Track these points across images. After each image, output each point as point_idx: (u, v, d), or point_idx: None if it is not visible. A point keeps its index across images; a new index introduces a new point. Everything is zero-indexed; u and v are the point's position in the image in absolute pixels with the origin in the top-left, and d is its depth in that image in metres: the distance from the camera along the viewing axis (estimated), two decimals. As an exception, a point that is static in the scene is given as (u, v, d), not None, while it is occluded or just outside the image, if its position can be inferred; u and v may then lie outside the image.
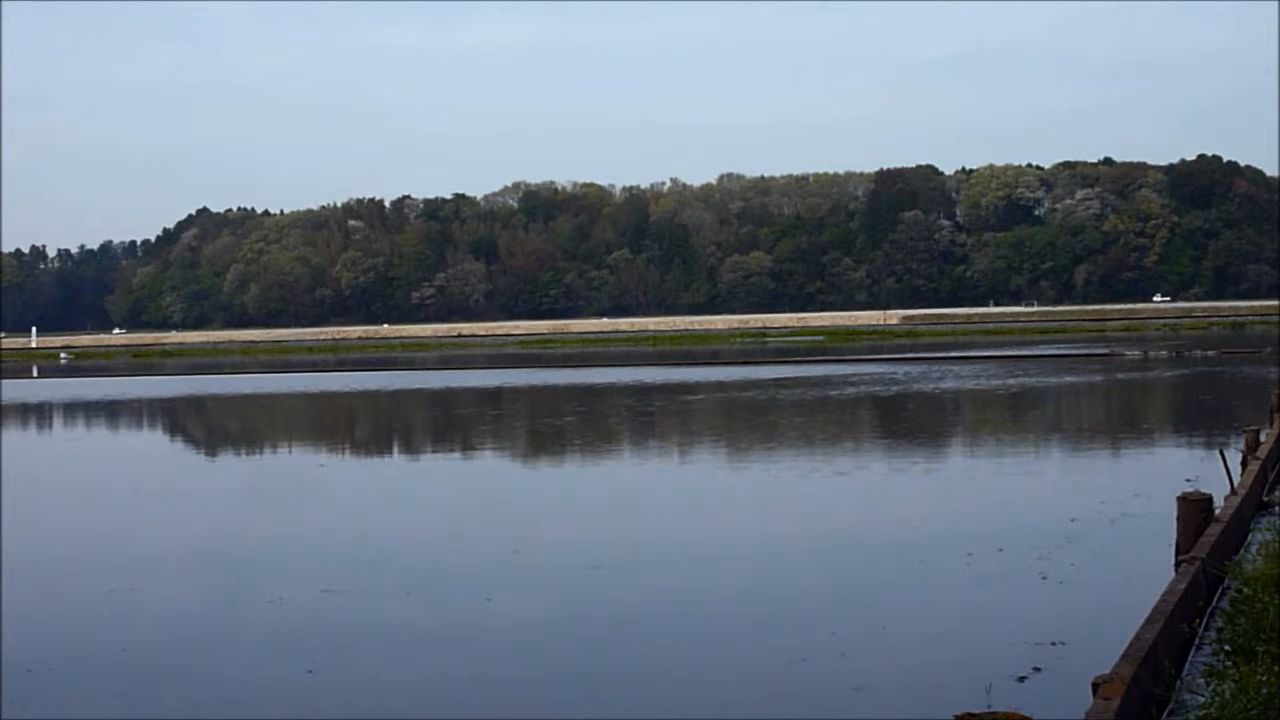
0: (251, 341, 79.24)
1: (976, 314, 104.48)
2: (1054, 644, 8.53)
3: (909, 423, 24.59)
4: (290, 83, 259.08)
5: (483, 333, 78.89)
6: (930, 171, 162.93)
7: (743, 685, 8.13)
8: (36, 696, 8.33)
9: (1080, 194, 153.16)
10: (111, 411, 34.78)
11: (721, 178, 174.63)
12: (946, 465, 18.95)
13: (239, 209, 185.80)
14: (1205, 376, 34.04)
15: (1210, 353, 43.86)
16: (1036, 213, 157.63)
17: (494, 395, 35.59)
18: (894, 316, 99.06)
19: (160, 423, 31.64)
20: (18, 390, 43.20)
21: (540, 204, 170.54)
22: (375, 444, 25.13)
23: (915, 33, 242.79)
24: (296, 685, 8.36)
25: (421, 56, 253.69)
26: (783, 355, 51.13)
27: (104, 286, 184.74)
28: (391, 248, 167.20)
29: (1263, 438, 13.76)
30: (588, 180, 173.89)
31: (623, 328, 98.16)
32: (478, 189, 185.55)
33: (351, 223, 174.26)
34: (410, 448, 24.13)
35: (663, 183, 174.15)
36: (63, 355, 70.55)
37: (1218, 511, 9.50)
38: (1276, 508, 11.50)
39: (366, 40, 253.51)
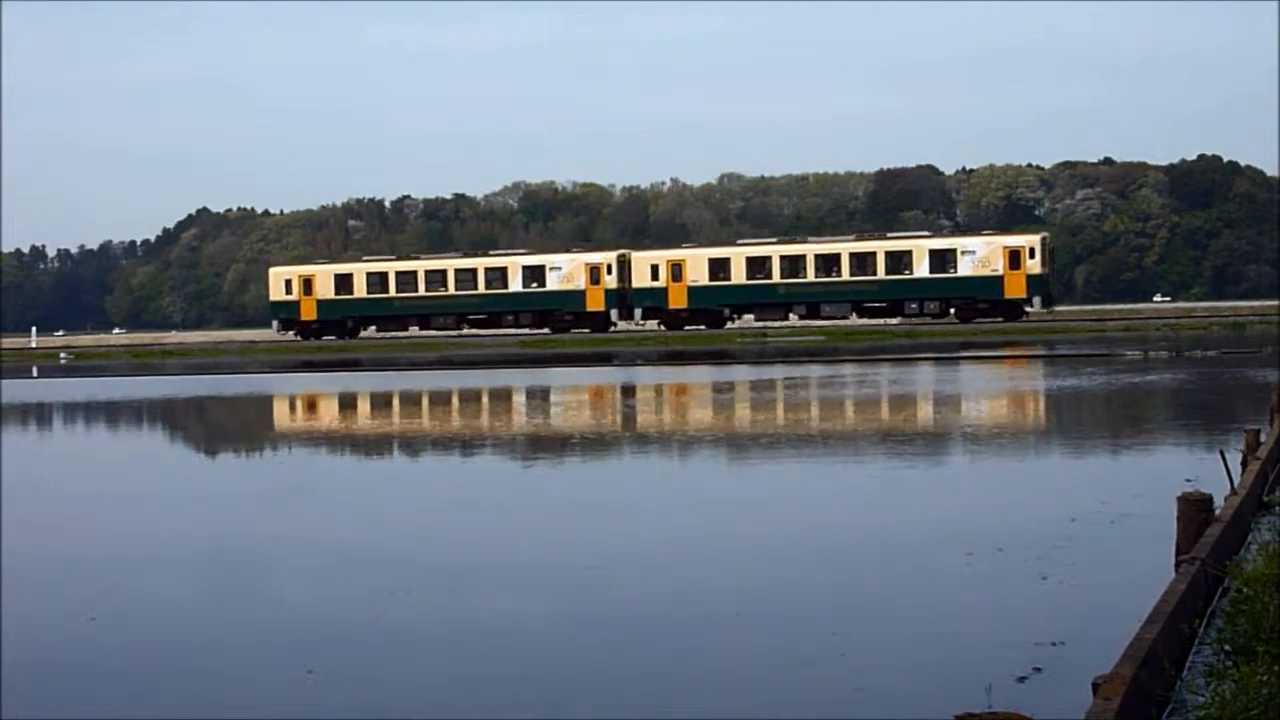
0: (251, 341, 79.11)
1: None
2: (1054, 644, 8.54)
3: (908, 422, 24.60)
4: (290, 83, 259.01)
5: (483, 332, 78.88)
6: (930, 171, 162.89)
7: (741, 686, 8.13)
8: (36, 696, 8.33)
9: (1080, 194, 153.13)
10: (111, 411, 34.79)
11: (721, 178, 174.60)
12: (945, 465, 18.96)
13: (239, 209, 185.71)
14: (1205, 376, 34.04)
15: (1210, 353, 43.85)
16: (1036, 213, 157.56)
17: (493, 395, 35.60)
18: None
19: (159, 423, 31.66)
20: (18, 390, 43.20)
21: (540, 204, 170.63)
22: (374, 444, 25.13)
23: (915, 33, 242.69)
24: (296, 685, 8.36)
25: (421, 56, 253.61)
26: (782, 355, 51.13)
27: (104, 286, 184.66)
28: (391, 248, 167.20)
29: (1263, 438, 13.74)
30: (588, 180, 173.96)
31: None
32: (478, 189, 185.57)
33: (351, 223, 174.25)
34: (409, 448, 24.13)
35: (663, 183, 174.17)
36: (63, 355, 70.51)
37: (1218, 511, 9.50)
38: (1277, 508, 11.49)
39: (366, 40, 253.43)
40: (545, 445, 23.03)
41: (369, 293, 71.74)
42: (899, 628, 9.32)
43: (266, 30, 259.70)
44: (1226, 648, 6.92)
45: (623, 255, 70.61)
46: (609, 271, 68.84)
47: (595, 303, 68.68)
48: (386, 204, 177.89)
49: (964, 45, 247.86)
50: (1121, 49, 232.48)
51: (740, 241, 75.83)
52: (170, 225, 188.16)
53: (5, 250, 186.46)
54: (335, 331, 72.68)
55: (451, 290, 70.83)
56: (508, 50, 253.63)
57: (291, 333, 74.34)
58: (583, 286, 68.64)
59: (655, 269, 68.08)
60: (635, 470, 19.54)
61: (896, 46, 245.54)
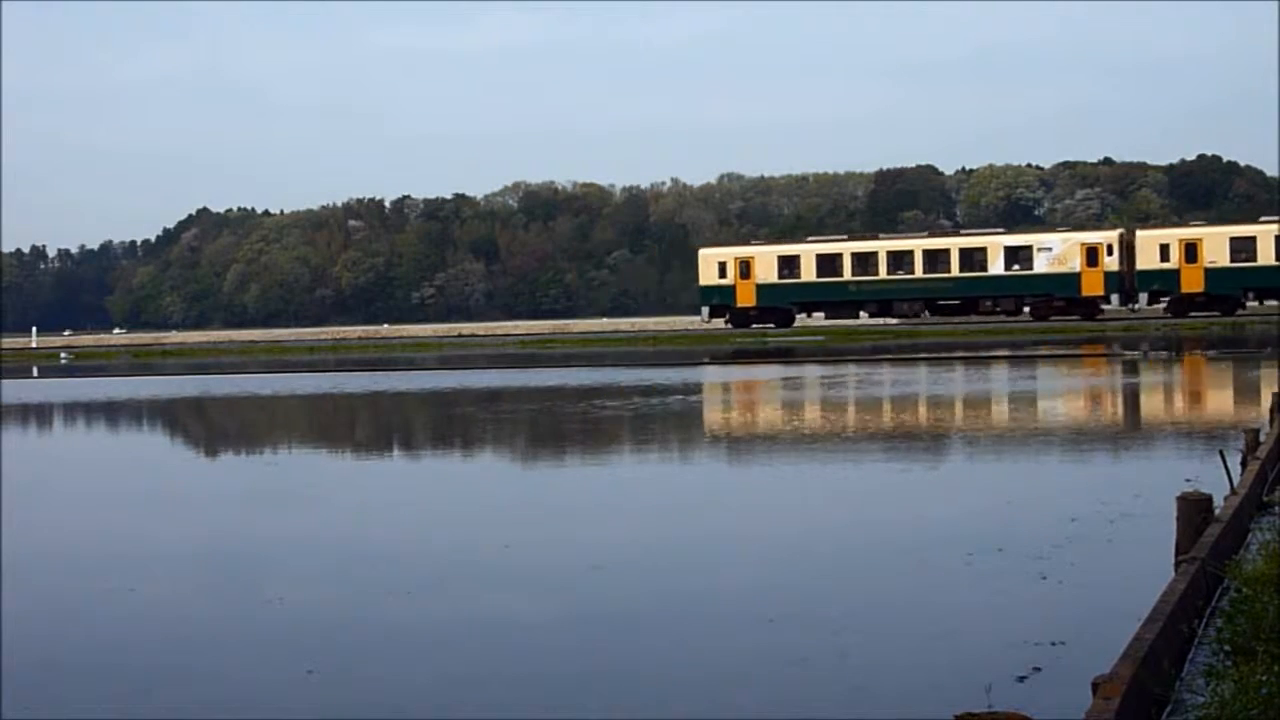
0: (251, 341, 79.13)
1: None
2: (1054, 644, 8.53)
3: (907, 423, 24.60)
4: (290, 83, 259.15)
5: (483, 333, 78.88)
6: (930, 171, 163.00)
7: (741, 686, 8.13)
8: (35, 697, 8.33)
9: (1080, 194, 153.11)
10: (111, 412, 34.78)
11: (721, 178, 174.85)
12: (945, 465, 18.96)
13: (239, 209, 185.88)
14: (1205, 376, 34.02)
15: (1210, 353, 43.82)
16: (1037, 213, 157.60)
17: (493, 395, 35.60)
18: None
19: (159, 423, 31.66)
20: (18, 390, 43.19)
21: (540, 204, 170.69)
22: (373, 444, 25.13)
23: (915, 33, 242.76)
24: (296, 685, 8.36)
25: (422, 56, 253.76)
26: (782, 355, 51.11)
27: (104, 286, 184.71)
28: (391, 248, 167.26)
29: (1262, 438, 13.75)
30: (588, 180, 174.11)
31: (623, 328, 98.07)
32: (478, 189, 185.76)
33: (351, 223, 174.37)
34: (408, 448, 24.13)
35: (663, 183, 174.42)
36: (63, 355, 70.54)
37: (1218, 511, 9.50)
38: (1276, 508, 11.49)
39: (366, 40, 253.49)
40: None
41: (818, 276, 65.30)
42: (899, 627, 9.32)
43: (266, 30, 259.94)
44: (1226, 648, 6.92)
45: (1124, 234, 64.69)
46: (1109, 252, 62.52)
47: (1092, 286, 62.52)
48: (386, 204, 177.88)
49: (964, 45, 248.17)
50: (1121, 49, 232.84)
51: (1264, 219, 65.99)
52: (170, 225, 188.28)
53: (5, 250, 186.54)
54: (774, 319, 66.15)
55: (918, 273, 64.60)
56: (508, 50, 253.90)
57: (722, 320, 67.02)
58: (1077, 269, 62.60)
59: (1165, 249, 61.57)
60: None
61: (896, 46, 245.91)
